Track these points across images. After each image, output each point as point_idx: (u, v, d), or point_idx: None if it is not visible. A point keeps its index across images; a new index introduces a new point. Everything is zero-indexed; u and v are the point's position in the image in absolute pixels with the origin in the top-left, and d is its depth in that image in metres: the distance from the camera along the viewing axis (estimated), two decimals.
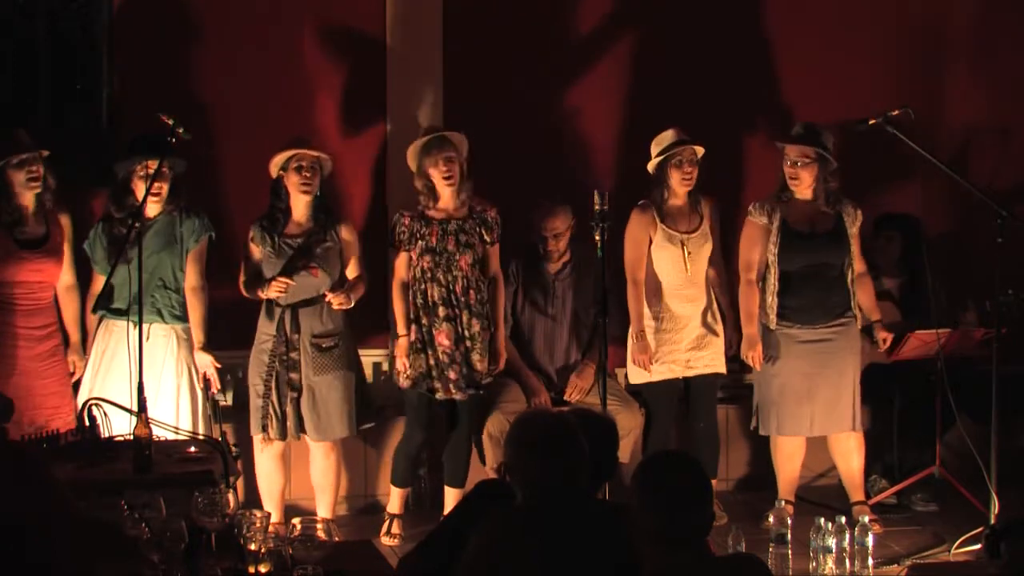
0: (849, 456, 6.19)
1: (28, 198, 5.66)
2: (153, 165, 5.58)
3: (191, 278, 5.87)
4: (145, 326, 5.72)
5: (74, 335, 5.85)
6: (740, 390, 6.86)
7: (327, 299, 5.87)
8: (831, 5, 7.20)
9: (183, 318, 5.87)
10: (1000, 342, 5.72)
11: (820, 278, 6.07)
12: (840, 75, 7.16)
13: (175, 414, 5.78)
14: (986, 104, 7.31)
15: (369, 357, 6.55)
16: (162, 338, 5.83)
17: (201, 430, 5.78)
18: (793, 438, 6.17)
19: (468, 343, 6.02)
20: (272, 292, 5.84)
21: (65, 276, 5.79)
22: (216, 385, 5.86)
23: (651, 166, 6.18)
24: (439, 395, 6.04)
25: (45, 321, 5.73)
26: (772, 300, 6.08)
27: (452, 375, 6.01)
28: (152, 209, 5.79)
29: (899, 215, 6.59)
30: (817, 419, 6.10)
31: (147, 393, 5.65)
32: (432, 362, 6.01)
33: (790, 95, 7.15)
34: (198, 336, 5.85)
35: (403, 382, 6.08)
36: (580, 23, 7.01)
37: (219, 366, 5.88)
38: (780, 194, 6.10)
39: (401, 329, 6.04)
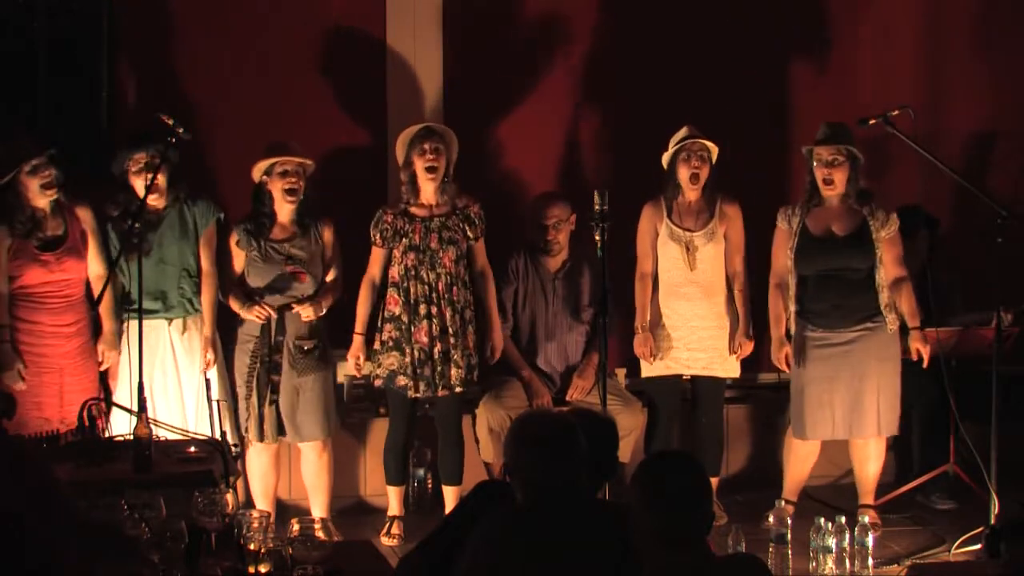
0: (866, 461, 6.17)
1: (43, 203, 5.65)
2: (141, 158, 5.62)
3: (203, 262, 5.92)
4: (179, 321, 5.81)
5: (107, 324, 5.77)
6: (745, 390, 6.86)
7: (295, 310, 5.87)
8: (836, 5, 7.22)
9: None
10: (1014, 343, 5.71)
11: (840, 282, 6.02)
12: (843, 75, 7.18)
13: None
14: (987, 104, 7.31)
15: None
16: (196, 332, 5.88)
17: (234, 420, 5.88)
18: (808, 441, 6.15)
19: (451, 340, 6.02)
20: (252, 316, 5.85)
21: (94, 266, 5.74)
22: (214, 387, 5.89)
23: (664, 161, 6.18)
24: (410, 393, 6.05)
25: (75, 317, 5.71)
26: (791, 305, 6.08)
27: (427, 372, 6.01)
28: (157, 203, 5.80)
29: (909, 206, 6.53)
30: (839, 423, 6.06)
31: (190, 388, 5.79)
32: (408, 360, 6.01)
33: (791, 96, 7.16)
34: (207, 325, 5.89)
35: (375, 381, 6.11)
36: (581, 22, 7.01)
37: (210, 362, 5.89)
38: (809, 201, 6.06)
39: (359, 327, 6.05)
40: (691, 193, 6.20)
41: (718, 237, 6.21)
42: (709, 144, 6.13)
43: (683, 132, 6.15)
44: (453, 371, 6.03)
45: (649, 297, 6.25)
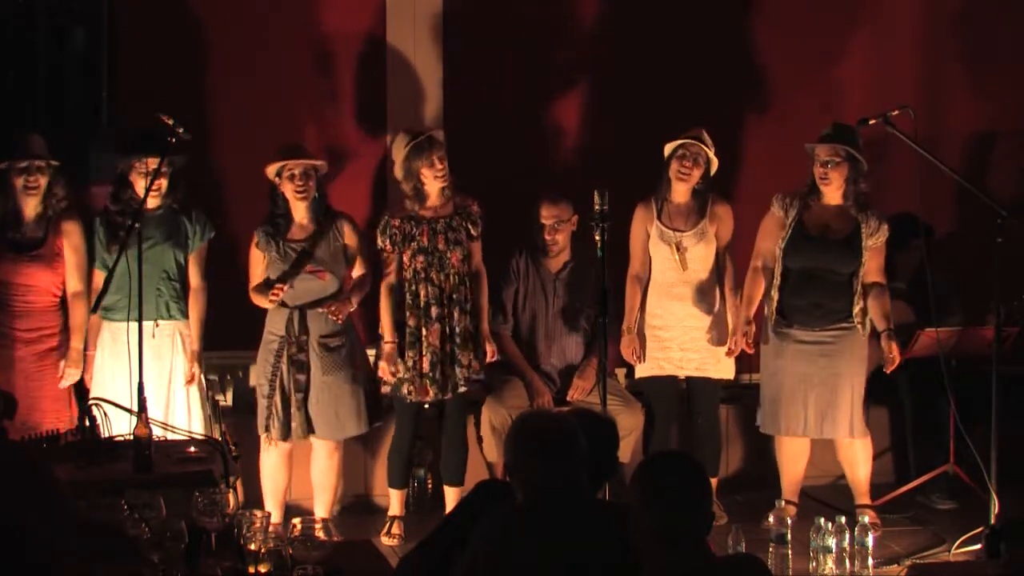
0: (855, 464, 6.18)
1: (29, 203, 5.68)
2: (152, 163, 5.60)
3: (194, 278, 5.90)
4: (150, 323, 5.73)
5: (74, 342, 5.78)
6: (740, 390, 6.86)
7: (323, 311, 5.87)
8: (836, 5, 7.22)
9: (187, 313, 5.89)
10: (1014, 343, 5.71)
11: (822, 282, 6.03)
12: (843, 75, 7.18)
13: (187, 414, 5.83)
14: (987, 104, 7.31)
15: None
16: (167, 338, 5.85)
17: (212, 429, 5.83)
18: (796, 440, 6.16)
19: (458, 339, 6.03)
20: (268, 301, 5.84)
21: (71, 282, 5.76)
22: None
23: (666, 152, 6.18)
24: (413, 398, 6.04)
25: (38, 325, 5.72)
26: (774, 295, 6.09)
27: (438, 375, 6.01)
28: (151, 202, 5.79)
29: (906, 214, 6.55)
30: (812, 421, 6.08)
31: (159, 393, 5.74)
32: (412, 364, 6.01)
33: (793, 95, 7.16)
34: (194, 340, 5.88)
35: (383, 387, 6.11)
36: (581, 22, 7.01)
37: (195, 376, 5.87)
38: (808, 197, 6.08)
39: (388, 336, 6.04)
40: (679, 194, 6.20)
41: (709, 237, 6.21)
42: (709, 151, 6.13)
43: (690, 132, 6.16)
44: (460, 371, 6.04)
45: (639, 299, 6.25)
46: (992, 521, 5.49)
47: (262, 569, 3.58)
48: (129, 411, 5.04)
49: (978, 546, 5.63)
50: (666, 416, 6.33)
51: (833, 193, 6.04)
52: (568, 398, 6.33)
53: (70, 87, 6.53)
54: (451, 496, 6.20)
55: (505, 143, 6.89)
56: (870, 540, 5.56)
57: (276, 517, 5.63)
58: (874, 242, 6.05)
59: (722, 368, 6.30)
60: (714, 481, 6.18)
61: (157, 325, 5.78)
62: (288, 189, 5.89)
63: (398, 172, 6.05)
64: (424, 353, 6.01)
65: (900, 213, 6.43)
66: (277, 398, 5.90)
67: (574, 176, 6.92)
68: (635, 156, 6.59)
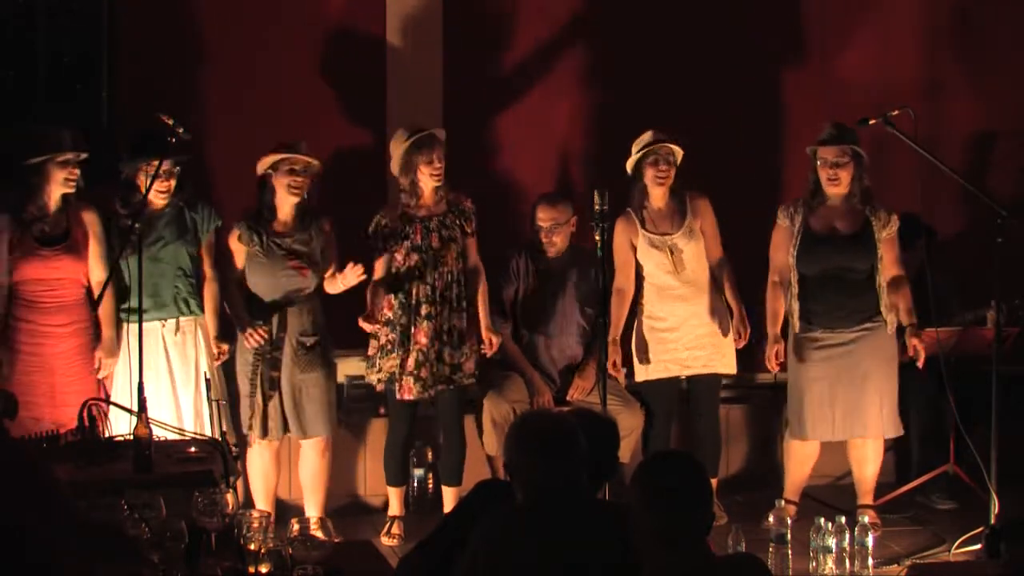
0: (864, 462, 6.18)
1: (56, 196, 5.65)
2: (161, 166, 5.61)
3: (206, 268, 5.94)
4: (172, 321, 5.80)
5: (106, 331, 5.76)
6: (743, 390, 6.86)
7: (346, 275, 5.80)
8: (836, 5, 7.22)
9: (203, 307, 5.93)
10: (1014, 343, 5.70)
11: (841, 282, 6.02)
12: (843, 75, 7.18)
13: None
14: (987, 104, 7.31)
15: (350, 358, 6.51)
16: (190, 335, 5.87)
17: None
18: (809, 443, 6.15)
19: (446, 337, 6.03)
20: (244, 341, 5.86)
21: (96, 272, 5.74)
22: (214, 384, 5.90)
23: (629, 166, 6.18)
24: (407, 396, 6.03)
25: (71, 319, 5.70)
26: (794, 304, 6.07)
27: (424, 374, 6.00)
28: (160, 203, 5.80)
29: (908, 215, 6.54)
30: (839, 423, 6.06)
31: (186, 394, 5.79)
32: (400, 361, 6.01)
33: (793, 96, 7.16)
34: (212, 325, 5.92)
35: (377, 385, 6.11)
36: (581, 21, 7.01)
37: (225, 358, 5.93)
38: (812, 199, 6.08)
39: (371, 305, 5.97)
40: (657, 199, 6.20)
41: (697, 234, 6.22)
42: (676, 148, 6.13)
43: (648, 136, 6.15)
44: (445, 369, 6.03)
45: (626, 310, 6.25)
46: (992, 521, 5.50)
47: (262, 569, 3.57)
48: (129, 411, 5.04)
49: (978, 546, 5.63)
50: (666, 416, 6.32)
51: (840, 193, 6.03)
52: (568, 398, 6.33)
53: (70, 87, 6.52)
54: (449, 496, 6.20)
55: (505, 143, 6.89)
56: (870, 540, 5.56)
57: None
58: (887, 233, 6.04)
59: (726, 362, 6.30)
60: (714, 481, 6.18)
61: (179, 325, 5.82)
62: (283, 183, 5.87)
63: (395, 167, 6.06)
64: (411, 351, 6.00)
65: (903, 214, 6.42)
66: (258, 396, 5.91)
67: (574, 176, 6.92)
68: None
